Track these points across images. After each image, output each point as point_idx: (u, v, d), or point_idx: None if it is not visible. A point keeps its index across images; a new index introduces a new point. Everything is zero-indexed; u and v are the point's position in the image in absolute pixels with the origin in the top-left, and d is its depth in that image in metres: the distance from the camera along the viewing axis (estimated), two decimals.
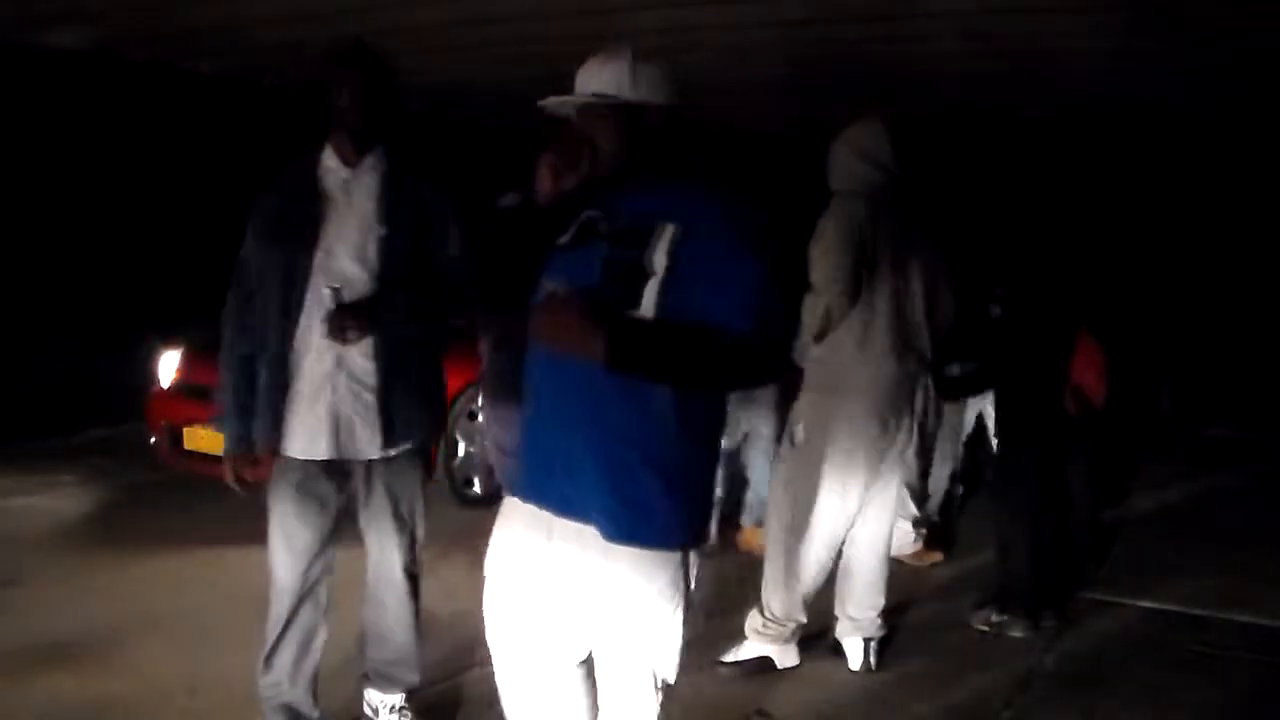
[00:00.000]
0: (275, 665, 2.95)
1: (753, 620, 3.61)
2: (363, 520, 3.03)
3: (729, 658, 3.60)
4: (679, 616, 2.14)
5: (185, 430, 5.36)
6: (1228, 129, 7.10)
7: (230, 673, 3.52)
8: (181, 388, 5.58)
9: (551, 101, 2.15)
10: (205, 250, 7.36)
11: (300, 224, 2.79)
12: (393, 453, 2.89)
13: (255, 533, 4.89)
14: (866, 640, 3.65)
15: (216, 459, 5.17)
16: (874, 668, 3.64)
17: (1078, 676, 3.65)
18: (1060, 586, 4.16)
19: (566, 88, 2.13)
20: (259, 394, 2.85)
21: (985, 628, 4.01)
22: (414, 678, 3.16)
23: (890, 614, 4.28)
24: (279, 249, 2.81)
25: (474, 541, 4.72)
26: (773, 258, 2.04)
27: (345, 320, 2.71)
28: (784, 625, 3.56)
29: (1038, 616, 3.98)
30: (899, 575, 4.75)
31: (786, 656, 3.60)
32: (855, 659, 3.65)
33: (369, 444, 2.85)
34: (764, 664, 3.58)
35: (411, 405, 2.89)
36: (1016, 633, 3.95)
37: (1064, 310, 4.02)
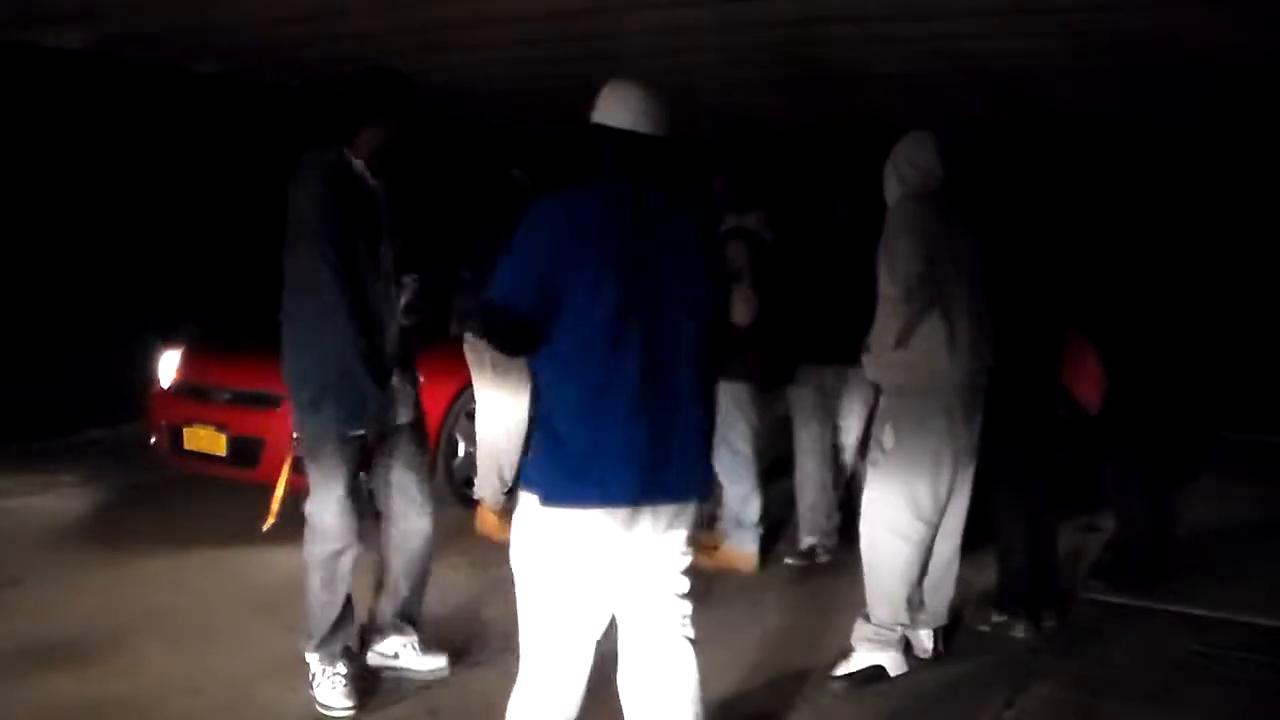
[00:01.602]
0: (349, 617, 3.39)
1: (861, 630, 3.57)
2: (395, 477, 3.46)
3: (840, 671, 3.56)
4: (526, 560, 2.51)
5: (185, 430, 5.36)
6: (1222, 133, 7.11)
7: (230, 673, 3.53)
8: (181, 388, 5.58)
9: None
10: (206, 250, 7.38)
11: (370, 221, 3.22)
12: (414, 417, 3.46)
13: (255, 533, 4.89)
14: (937, 630, 3.69)
15: (217, 459, 5.26)
16: (943, 654, 3.69)
17: (1078, 676, 3.64)
18: (1061, 587, 4.16)
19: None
20: (363, 375, 3.19)
21: (985, 628, 4.01)
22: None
23: None
24: (363, 241, 3.18)
25: (472, 541, 4.75)
26: (518, 240, 2.42)
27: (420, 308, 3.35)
28: (893, 631, 3.54)
29: (1038, 616, 3.98)
30: None
31: (897, 663, 3.55)
32: (925, 647, 3.68)
33: (405, 413, 3.40)
34: (877, 673, 3.53)
35: (415, 378, 3.49)
36: (1017, 633, 3.95)
37: (1054, 313, 4.02)
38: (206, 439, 5.29)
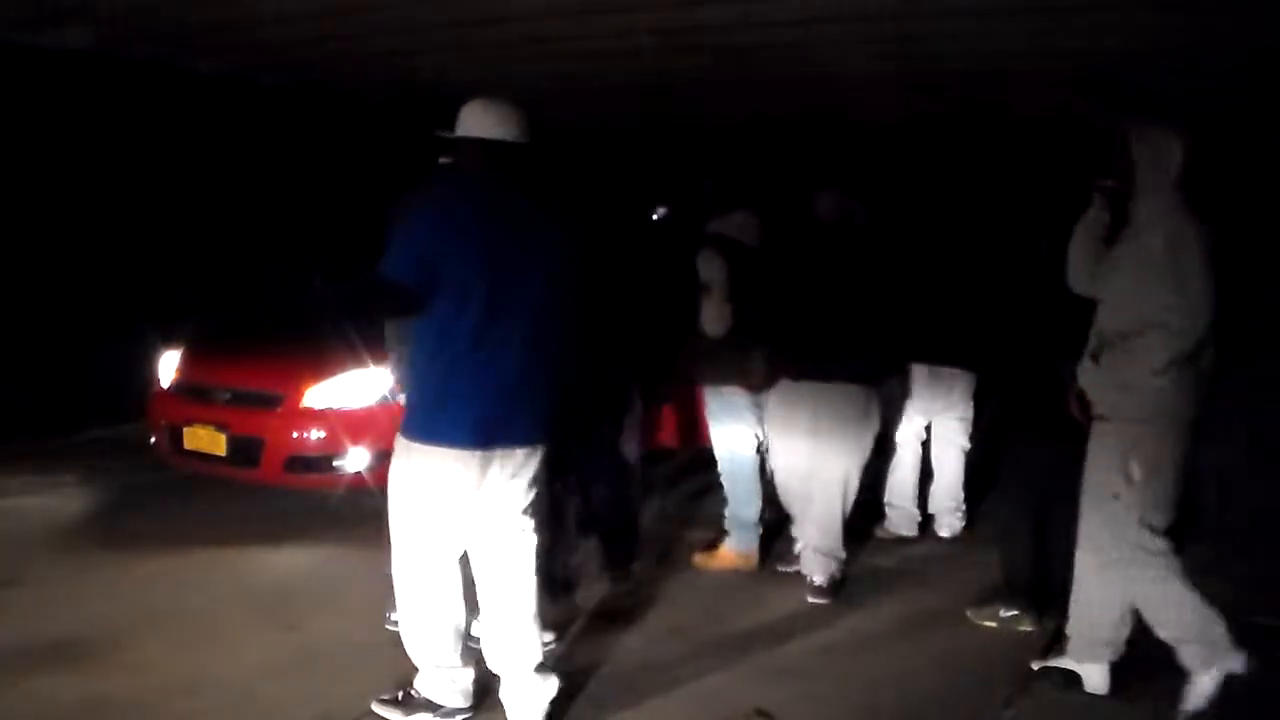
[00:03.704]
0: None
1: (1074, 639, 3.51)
2: None
3: (1045, 662, 3.56)
4: (393, 487, 3.06)
5: (185, 430, 5.36)
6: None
7: (230, 672, 3.53)
8: (181, 388, 5.58)
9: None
10: (206, 250, 7.38)
11: None
12: None
13: (255, 533, 4.93)
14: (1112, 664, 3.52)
15: (217, 459, 5.27)
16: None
17: (1078, 676, 3.64)
18: (1064, 583, 4.14)
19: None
20: None
21: (992, 624, 4.01)
22: None
23: (890, 612, 4.28)
24: None
25: None
26: (402, 232, 2.90)
27: None
28: (1097, 648, 3.45)
29: (1041, 612, 3.97)
30: (907, 573, 4.76)
31: (1098, 679, 3.47)
32: (1102, 683, 3.50)
33: None
34: (1072, 678, 3.48)
35: None
36: (1025, 626, 3.95)
37: (1070, 311, 3.99)
38: (206, 439, 5.29)
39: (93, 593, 4.22)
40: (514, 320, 2.98)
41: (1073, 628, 3.53)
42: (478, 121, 3.07)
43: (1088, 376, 3.38)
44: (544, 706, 3.17)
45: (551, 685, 3.18)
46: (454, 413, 2.95)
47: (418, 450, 3.00)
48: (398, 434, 3.07)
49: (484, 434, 2.98)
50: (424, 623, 3.14)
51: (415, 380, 3.06)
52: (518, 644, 3.16)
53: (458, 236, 2.91)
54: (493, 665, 3.21)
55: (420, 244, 2.89)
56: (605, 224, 4.34)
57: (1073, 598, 3.51)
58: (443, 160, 3.67)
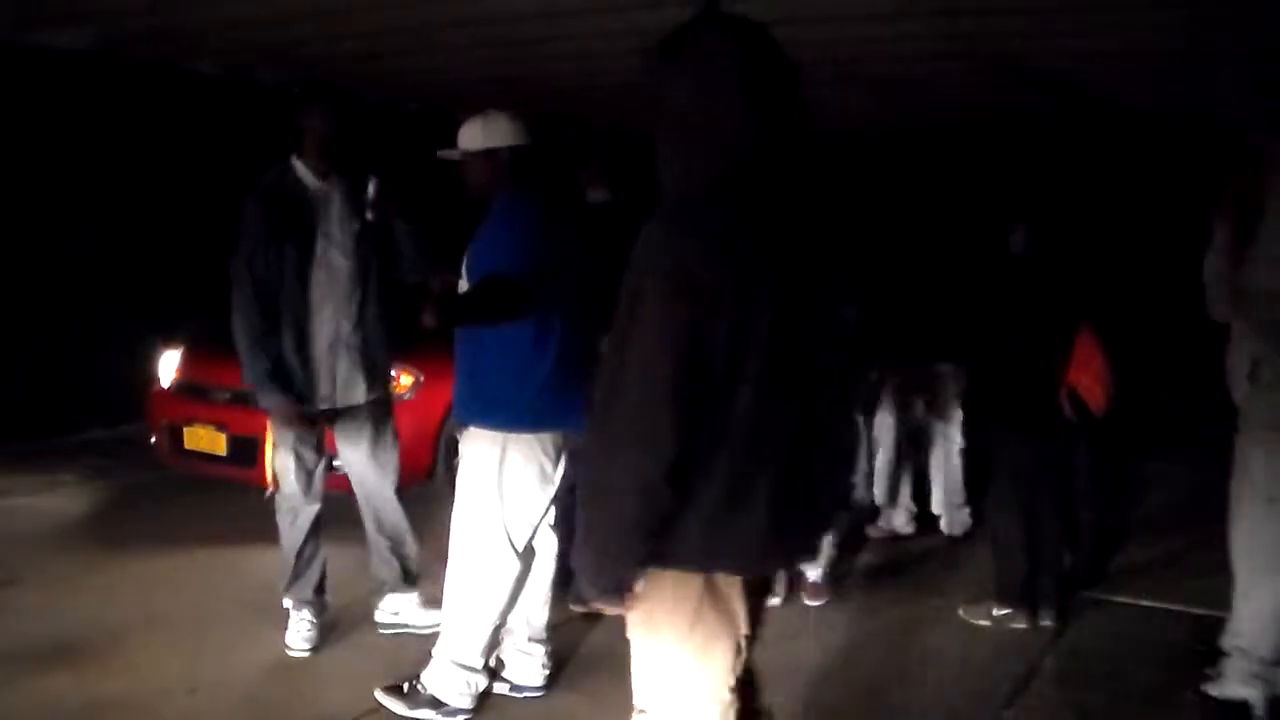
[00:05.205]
0: (310, 569, 3.76)
1: (1238, 662, 3.28)
2: (362, 452, 3.77)
3: (1211, 690, 3.32)
4: (486, 495, 3.11)
5: (185, 430, 5.36)
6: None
7: (230, 672, 3.53)
8: (181, 387, 5.58)
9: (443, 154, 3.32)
10: (206, 250, 7.37)
11: (299, 222, 3.65)
12: (374, 397, 3.74)
13: (255, 533, 4.92)
14: None
15: (216, 459, 5.27)
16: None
17: (1077, 676, 3.64)
18: (1060, 583, 4.16)
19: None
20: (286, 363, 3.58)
21: (985, 622, 4.01)
22: (415, 554, 3.91)
23: (889, 612, 4.29)
24: (290, 242, 3.63)
25: None
26: (510, 237, 3.09)
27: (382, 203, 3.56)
28: (1263, 664, 3.24)
29: (1036, 610, 3.98)
30: (904, 572, 4.76)
31: (1265, 703, 3.24)
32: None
33: (361, 392, 3.69)
34: (1241, 712, 3.24)
35: (383, 361, 3.77)
36: (1019, 624, 3.95)
37: (1065, 307, 4.00)
38: (206, 439, 5.29)
39: (93, 593, 4.23)
40: (569, 307, 3.19)
41: (1242, 650, 3.28)
42: (501, 132, 3.19)
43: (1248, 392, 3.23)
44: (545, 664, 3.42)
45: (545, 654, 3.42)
46: (562, 397, 3.08)
47: (516, 440, 3.08)
48: (479, 430, 3.12)
49: (581, 414, 3.12)
50: (476, 621, 3.16)
51: (511, 374, 3.07)
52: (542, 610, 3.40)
53: (549, 241, 3.13)
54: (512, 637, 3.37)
55: (533, 250, 3.07)
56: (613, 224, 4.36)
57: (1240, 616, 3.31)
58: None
